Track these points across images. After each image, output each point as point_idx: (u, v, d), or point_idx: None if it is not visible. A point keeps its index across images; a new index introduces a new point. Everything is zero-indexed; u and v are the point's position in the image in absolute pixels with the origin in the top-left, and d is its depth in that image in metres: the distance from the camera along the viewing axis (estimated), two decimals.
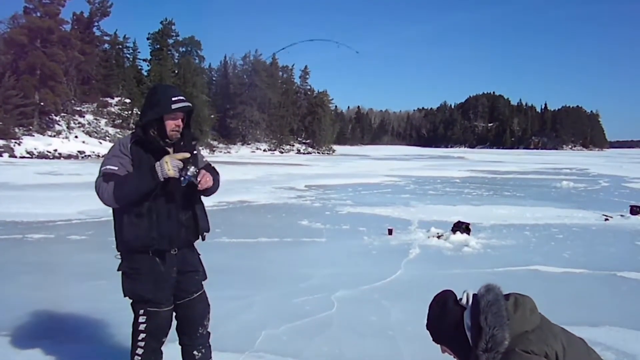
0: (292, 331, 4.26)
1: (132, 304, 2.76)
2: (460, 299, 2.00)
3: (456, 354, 2.03)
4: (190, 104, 2.74)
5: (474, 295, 1.98)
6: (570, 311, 4.62)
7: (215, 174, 2.86)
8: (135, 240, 2.65)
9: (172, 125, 2.68)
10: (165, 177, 2.54)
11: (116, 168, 2.60)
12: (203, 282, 2.94)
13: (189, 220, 2.76)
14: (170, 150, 2.72)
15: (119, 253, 2.76)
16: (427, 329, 2.08)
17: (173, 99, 2.65)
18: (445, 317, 1.99)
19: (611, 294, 5.57)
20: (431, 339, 2.09)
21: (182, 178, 2.55)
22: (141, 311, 2.71)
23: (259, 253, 7.56)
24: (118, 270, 2.76)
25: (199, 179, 2.61)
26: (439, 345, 2.10)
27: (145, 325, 2.70)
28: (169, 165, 2.53)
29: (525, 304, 1.95)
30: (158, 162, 2.55)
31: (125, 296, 2.75)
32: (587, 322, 4.43)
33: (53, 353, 3.72)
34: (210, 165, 2.97)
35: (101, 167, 2.65)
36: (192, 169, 2.58)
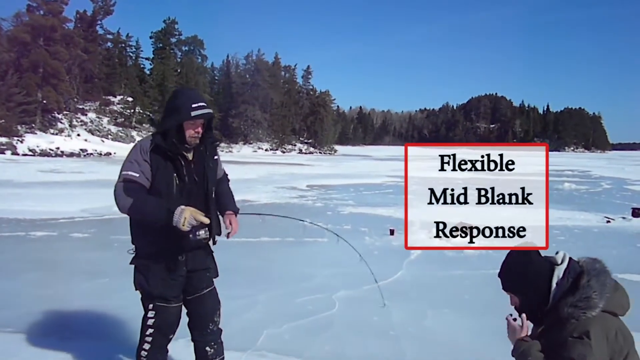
0: (294, 330, 4.28)
1: (141, 298, 2.79)
2: (549, 257, 2.02)
3: (528, 304, 2.02)
4: (211, 111, 2.71)
5: (573, 260, 2.01)
6: None
7: (229, 186, 3.04)
8: (144, 246, 2.71)
9: (192, 132, 2.66)
10: (175, 225, 2.50)
11: (137, 175, 2.59)
12: (214, 279, 2.96)
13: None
14: (190, 155, 2.72)
15: (132, 247, 2.78)
16: (500, 276, 2.08)
17: (193, 105, 2.61)
18: (529, 265, 1.99)
19: None
20: (501, 287, 2.09)
21: (191, 236, 2.58)
22: (150, 306, 2.73)
23: (260, 252, 7.58)
24: (130, 263, 2.79)
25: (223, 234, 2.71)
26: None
27: (153, 320, 2.73)
28: (186, 221, 2.50)
29: (624, 292, 1.98)
30: (180, 208, 2.50)
31: (136, 289, 2.78)
32: None
33: (56, 350, 3.74)
34: (227, 175, 3.05)
35: (122, 170, 2.63)
36: (202, 233, 2.60)
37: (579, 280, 1.90)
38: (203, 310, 2.87)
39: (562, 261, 1.98)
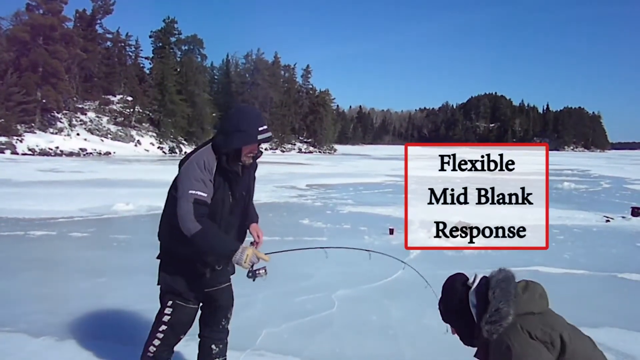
0: (293, 330, 4.28)
1: (160, 294, 2.79)
2: (469, 280, 2.08)
3: (461, 333, 2.10)
4: (272, 134, 2.73)
5: (484, 277, 2.05)
6: (570, 312, 4.57)
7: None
8: (177, 246, 2.67)
9: (248, 152, 2.66)
10: (236, 263, 2.56)
11: (205, 195, 2.57)
12: (231, 276, 2.99)
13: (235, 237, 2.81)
14: (240, 169, 2.72)
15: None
16: (439, 308, 2.17)
17: (260, 129, 2.60)
18: (452, 296, 2.06)
19: (612, 295, 5.57)
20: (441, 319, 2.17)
21: (250, 273, 2.64)
22: (169, 302, 2.74)
23: (259, 251, 7.57)
24: (157, 258, 2.79)
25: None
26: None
27: (169, 317, 2.73)
28: (248, 259, 2.54)
29: (535, 289, 2.02)
30: (241, 247, 2.56)
31: (158, 284, 2.79)
32: (588, 323, 4.42)
33: (55, 349, 3.74)
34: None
35: (187, 188, 2.55)
36: (262, 272, 2.68)
37: (486, 297, 1.95)
38: (219, 304, 2.90)
39: (474, 282, 2.03)
